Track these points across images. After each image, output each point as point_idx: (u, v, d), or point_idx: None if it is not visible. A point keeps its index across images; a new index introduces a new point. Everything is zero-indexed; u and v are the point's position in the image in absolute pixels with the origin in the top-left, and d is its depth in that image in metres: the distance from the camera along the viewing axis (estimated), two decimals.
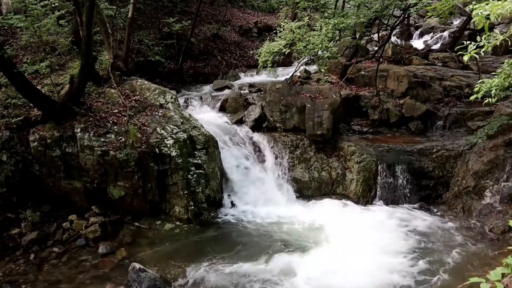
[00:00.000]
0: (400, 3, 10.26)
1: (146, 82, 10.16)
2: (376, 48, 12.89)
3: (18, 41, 10.17)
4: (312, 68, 14.00)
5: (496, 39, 3.87)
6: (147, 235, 7.83)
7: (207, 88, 13.72)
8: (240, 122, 10.81)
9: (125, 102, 8.99)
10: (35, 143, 7.71)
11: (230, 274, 6.59)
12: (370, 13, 10.44)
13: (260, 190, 9.32)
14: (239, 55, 17.21)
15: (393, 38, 16.62)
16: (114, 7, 11.45)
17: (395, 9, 11.76)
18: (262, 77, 14.84)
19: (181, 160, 8.18)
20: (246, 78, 15.14)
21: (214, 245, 7.46)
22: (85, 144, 7.84)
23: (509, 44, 3.99)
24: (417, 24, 20.84)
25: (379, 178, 9.21)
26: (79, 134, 7.92)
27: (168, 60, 14.53)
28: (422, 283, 6.38)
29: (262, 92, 11.35)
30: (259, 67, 11.03)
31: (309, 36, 9.78)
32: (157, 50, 13.83)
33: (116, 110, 8.74)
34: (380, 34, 13.42)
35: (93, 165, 7.87)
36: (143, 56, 13.27)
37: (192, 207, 8.13)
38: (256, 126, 10.52)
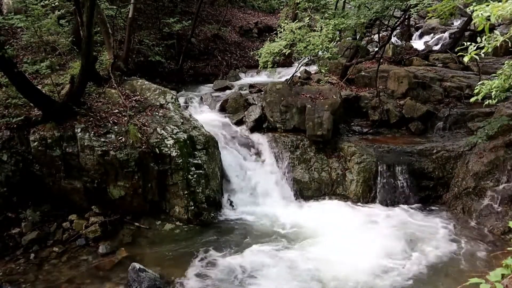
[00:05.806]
0: (401, 3, 10.26)
1: (146, 82, 10.17)
2: (376, 49, 12.90)
3: (19, 41, 10.18)
4: (313, 68, 13.99)
5: (497, 40, 3.87)
6: (147, 235, 7.84)
7: (207, 89, 13.70)
8: (240, 122, 10.82)
9: (125, 102, 8.99)
10: (36, 143, 7.71)
11: (230, 274, 6.60)
12: (370, 13, 10.44)
13: (260, 191, 9.31)
14: (239, 56, 17.20)
15: (393, 39, 16.64)
16: (115, 7, 11.44)
17: (396, 10, 11.77)
18: (262, 78, 14.85)
19: (181, 160, 8.19)
20: (247, 79, 15.14)
21: (214, 245, 7.45)
22: (85, 144, 7.85)
23: (510, 45, 3.99)
24: (417, 25, 20.85)
25: (379, 178, 9.21)
26: (80, 134, 7.92)
27: (169, 60, 14.53)
28: (421, 284, 6.39)
29: (262, 93, 11.35)
30: (259, 67, 11.00)
31: (310, 37, 9.76)
32: (157, 50, 13.84)
33: (117, 110, 8.74)
34: (380, 34, 13.42)
35: (93, 165, 7.87)
36: (143, 56, 13.28)
37: (192, 207, 8.14)
38: (256, 127, 10.52)
